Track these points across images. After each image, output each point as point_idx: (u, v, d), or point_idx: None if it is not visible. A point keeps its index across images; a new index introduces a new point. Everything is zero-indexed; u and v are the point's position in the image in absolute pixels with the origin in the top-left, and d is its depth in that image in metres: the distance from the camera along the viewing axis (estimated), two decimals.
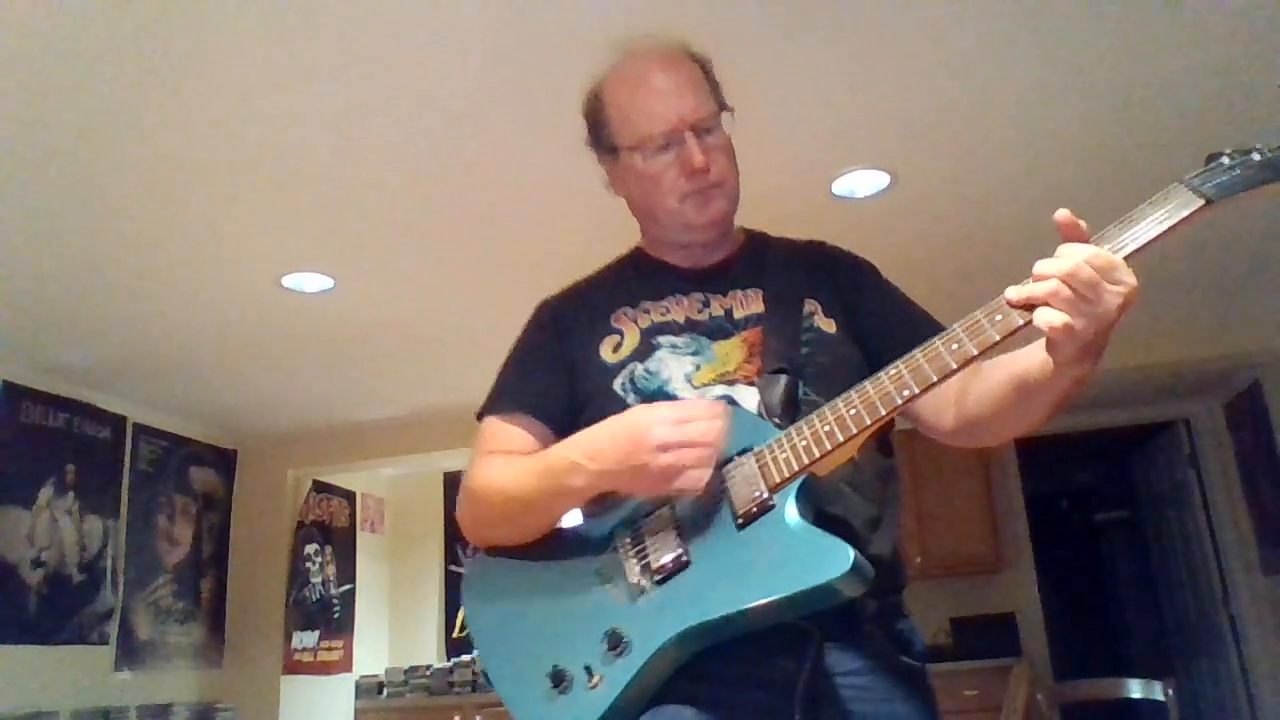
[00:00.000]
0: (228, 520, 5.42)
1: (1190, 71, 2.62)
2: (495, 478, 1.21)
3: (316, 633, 5.59)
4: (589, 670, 1.08)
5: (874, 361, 1.17)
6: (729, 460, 1.09)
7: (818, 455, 1.04)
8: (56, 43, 2.19)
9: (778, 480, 1.06)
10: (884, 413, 1.02)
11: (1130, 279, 0.93)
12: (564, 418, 1.26)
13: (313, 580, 5.63)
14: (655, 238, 1.36)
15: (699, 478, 1.04)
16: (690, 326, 1.26)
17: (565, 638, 1.12)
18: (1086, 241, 0.95)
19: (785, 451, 1.06)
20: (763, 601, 1.01)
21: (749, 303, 1.28)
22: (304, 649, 5.45)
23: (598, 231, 3.28)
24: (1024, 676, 3.20)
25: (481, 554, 1.27)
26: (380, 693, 5.76)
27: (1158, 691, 3.34)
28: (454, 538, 6.28)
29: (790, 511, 1.04)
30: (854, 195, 3.21)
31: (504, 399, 1.31)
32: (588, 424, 1.22)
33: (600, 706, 1.06)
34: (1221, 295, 4.34)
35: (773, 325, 1.23)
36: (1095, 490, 7.92)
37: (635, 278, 1.35)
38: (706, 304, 1.28)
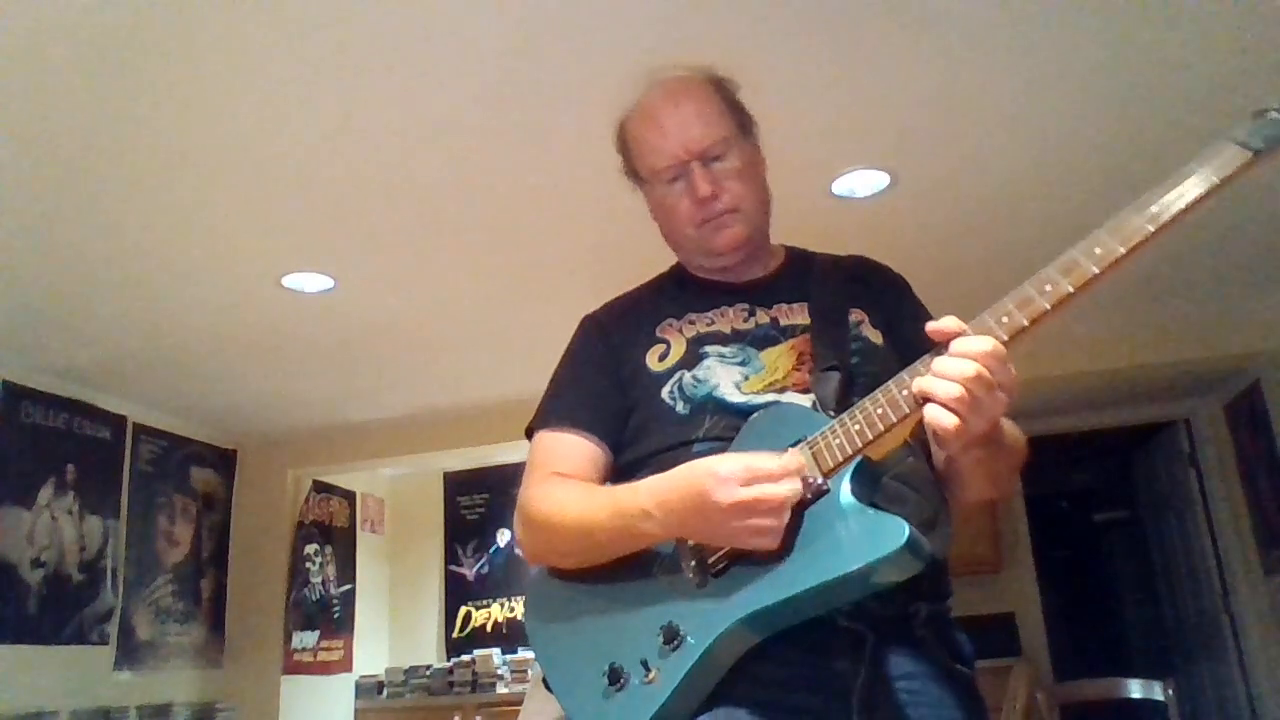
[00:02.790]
0: (228, 520, 5.42)
1: (1189, 70, 2.62)
2: (564, 511, 1.18)
3: (316, 633, 5.59)
4: (645, 665, 1.07)
5: None
6: (784, 451, 1.08)
7: (870, 437, 1.03)
8: (57, 44, 2.19)
9: (831, 465, 1.05)
10: None
11: (1011, 374, 0.99)
12: (616, 431, 1.27)
13: (313, 580, 5.63)
14: (687, 262, 1.39)
15: (768, 543, 1.03)
16: (737, 336, 1.27)
17: (621, 635, 1.11)
18: (966, 334, 0.99)
19: (838, 438, 1.05)
20: (818, 583, 1.00)
21: (794, 314, 1.28)
22: (304, 649, 5.45)
23: (599, 232, 3.29)
24: (1024, 676, 3.20)
25: (543, 572, 1.26)
26: (380, 693, 5.76)
27: (1158, 691, 3.34)
28: (454, 537, 6.29)
29: (845, 493, 1.03)
30: (854, 195, 3.21)
31: (556, 414, 1.31)
32: (635, 432, 1.25)
33: (657, 700, 1.05)
34: (1221, 295, 4.34)
35: (821, 333, 1.24)
36: (1095, 490, 7.92)
37: (679, 292, 1.36)
38: (752, 314, 1.29)
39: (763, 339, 1.25)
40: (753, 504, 1.01)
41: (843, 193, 3.19)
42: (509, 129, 2.69)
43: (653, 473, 1.18)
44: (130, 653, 4.58)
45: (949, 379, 0.97)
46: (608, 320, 1.37)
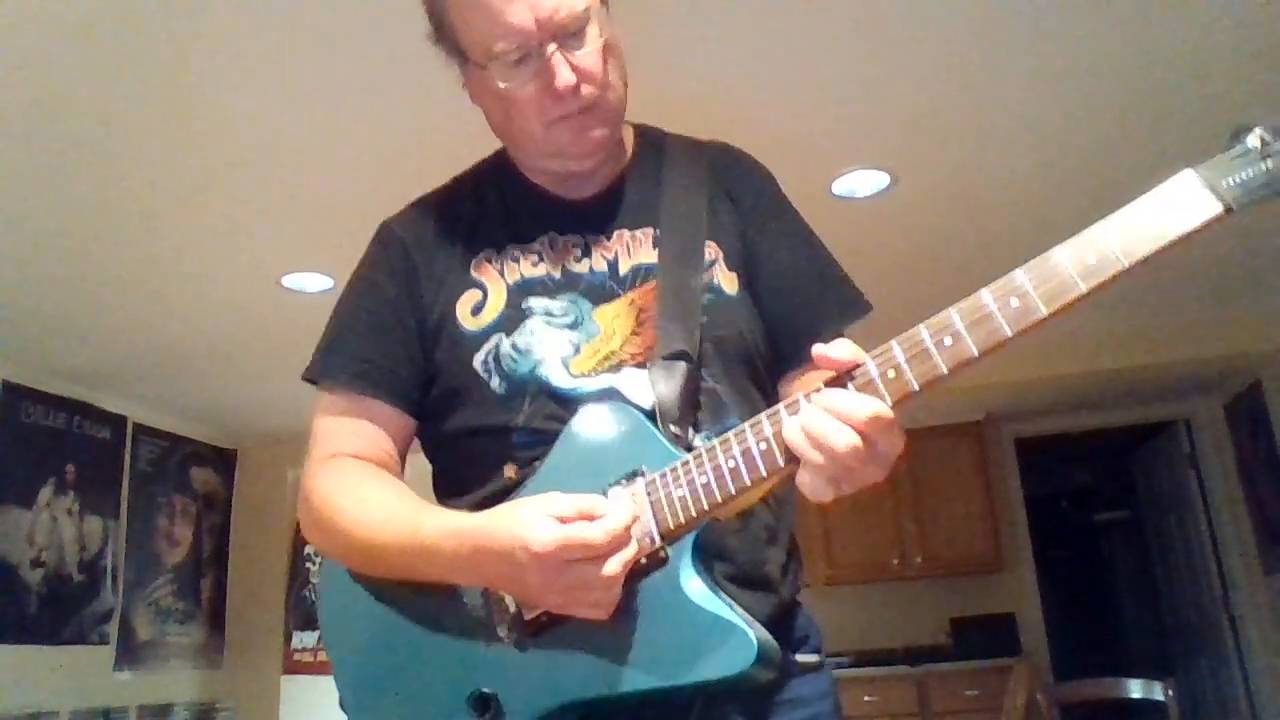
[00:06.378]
0: (228, 520, 5.42)
1: (1192, 69, 2.62)
2: (353, 522, 0.99)
3: (316, 633, 5.58)
4: None
5: (770, 329, 1.07)
6: (615, 484, 0.92)
7: (719, 500, 0.87)
8: (57, 45, 2.19)
9: (672, 526, 0.88)
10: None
11: (896, 447, 0.82)
12: (415, 390, 1.07)
13: (313, 580, 5.63)
14: (521, 161, 1.13)
15: (598, 615, 0.88)
16: (568, 282, 1.04)
17: (426, 694, 0.96)
18: (849, 371, 0.83)
19: (682, 489, 0.88)
20: (652, 687, 0.88)
21: (637, 249, 1.06)
22: (304, 649, 5.45)
23: None
24: (1024, 676, 3.20)
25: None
26: None
27: (1158, 691, 3.33)
28: None
29: (687, 573, 0.89)
30: (854, 195, 3.21)
31: (343, 368, 1.07)
32: (440, 400, 1.06)
33: None
34: (1221, 295, 4.34)
35: (667, 283, 1.03)
36: (1095, 490, 7.93)
37: (501, 204, 1.12)
38: (587, 251, 1.06)
39: (598, 290, 1.04)
40: (575, 584, 0.85)
41: (843, 193, 3.19)
42: None
43: (463, 456, 1.06)
44: (130, 653, 4.58)
45: (824, 447, 0.81)
46: (412, 241, 1.11)
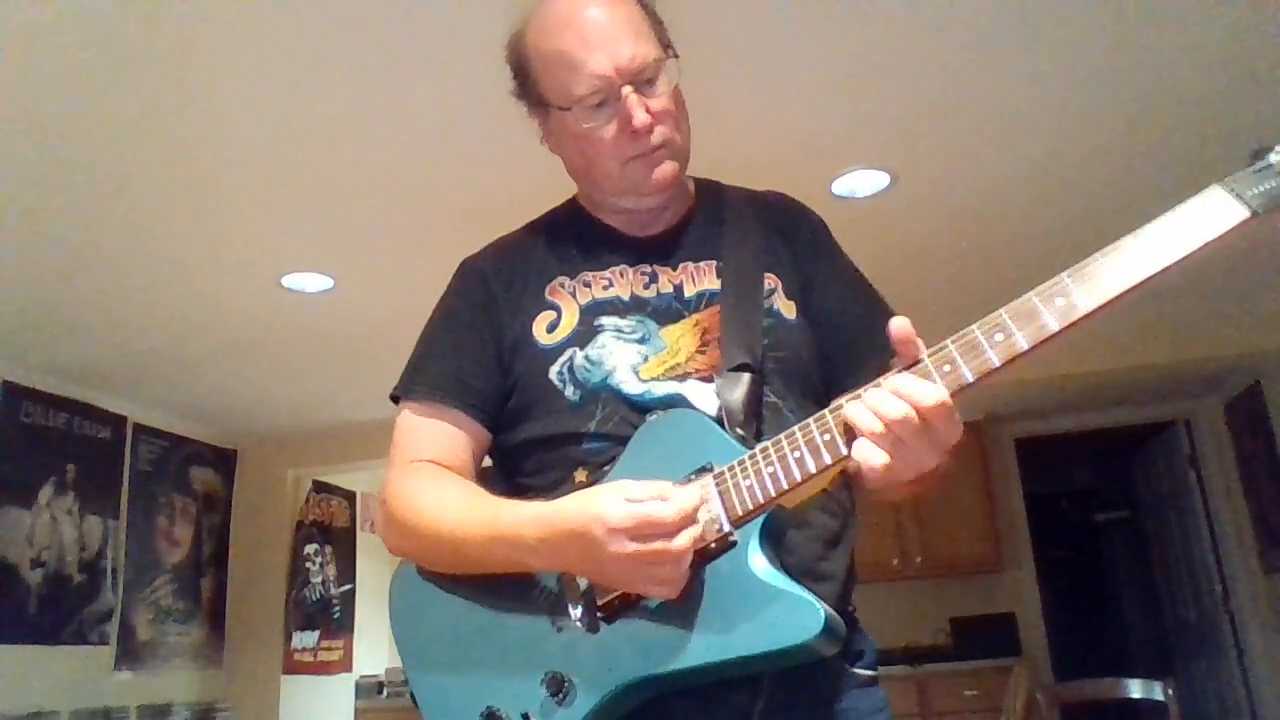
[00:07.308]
0: (228, 520, 5.42)
1: (1194, 68, 2.62)
2: (436, 519, 1.05)
3: (316, 633, 5.59)
4: (527, 718, 0.99)
5: (823, 354, 1.14)
6: (685, 480, 0.98)
7: (785, 487, 0.92)
8: (57, 45, 2.19)
9: (740, 513, 0.93)
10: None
11: (954, 434, 0.87)
12: (494, 407, 1.14)
13: (313, 580, 5.63)
14: (596, 201, 1.23)
15: (667, 594, 0.94)
16: (636, 306, 1.12)
17: (501, 677, 1.02)
18: (919, 361, 0.88)
19: (749, 478, 0.93)
20: (719, 660, 0.92)
21: (701, 277, 1.14)
22: (304, 649, 5.45)
23: None
24: (1024, 676, 3.20)
25: (410, 566, 1.14)
26: (380, 693, 5.76)
27: (1158, 691, 3.34)
28: None
29: (754, 554, 0.93)
30: (854, 195, 3.21)
31: (424, 384, 1.16)
32: (517, 413, 1.13)
33: None
34: (1221, 295, 4.33)
35: (730, 307, 1.10)
36: (1095, 490, 7.92)
37: (573, 240, 1.21)
38: (654, 278, 1.15)
39: (664, 312, 1.12)
40: (648, 558, 0.90)
41: (843, 193, 3.19)
42: (509, 128, 2.68)
43: (536, 464, 1.11)
44: (130, 653, 4.58)
45: (881, 415, 0.86)
46: (491, 272, 1.21)
